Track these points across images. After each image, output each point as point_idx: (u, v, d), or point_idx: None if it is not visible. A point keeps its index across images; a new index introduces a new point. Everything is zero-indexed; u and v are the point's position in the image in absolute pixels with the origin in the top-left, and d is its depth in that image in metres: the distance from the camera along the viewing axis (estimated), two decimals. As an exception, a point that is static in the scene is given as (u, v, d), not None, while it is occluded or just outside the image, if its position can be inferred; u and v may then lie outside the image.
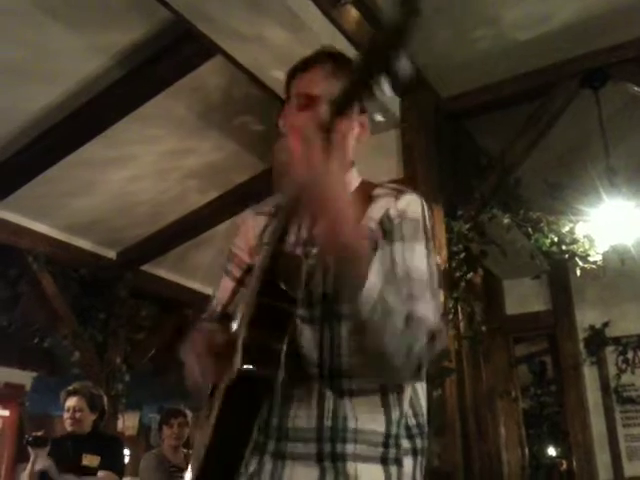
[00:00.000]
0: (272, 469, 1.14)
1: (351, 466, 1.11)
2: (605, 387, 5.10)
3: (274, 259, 1.15)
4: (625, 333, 5.11)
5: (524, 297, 5.44)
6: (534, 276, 4.72)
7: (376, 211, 1.25)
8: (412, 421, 1.20)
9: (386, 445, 1.14)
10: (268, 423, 1.17)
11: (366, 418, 1.15)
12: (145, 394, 7.51)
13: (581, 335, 5.24)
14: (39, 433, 3.68)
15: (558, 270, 4.82)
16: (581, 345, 5.22)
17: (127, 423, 8.00)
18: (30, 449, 3.59)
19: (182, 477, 4.22)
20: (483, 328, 3.92)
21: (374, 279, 1.05)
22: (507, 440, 4.93)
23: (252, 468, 1.15)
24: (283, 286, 1.12)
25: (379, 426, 1.15)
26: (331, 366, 1.17)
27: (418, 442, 1.19)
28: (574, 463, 5.23)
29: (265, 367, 1.09)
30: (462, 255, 3.72)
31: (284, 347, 1.10)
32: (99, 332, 5.81)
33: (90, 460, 3.60)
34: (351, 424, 1.13)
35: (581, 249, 3.80)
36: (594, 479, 4.97)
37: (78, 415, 3.73)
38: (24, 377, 7.49)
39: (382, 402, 1.17)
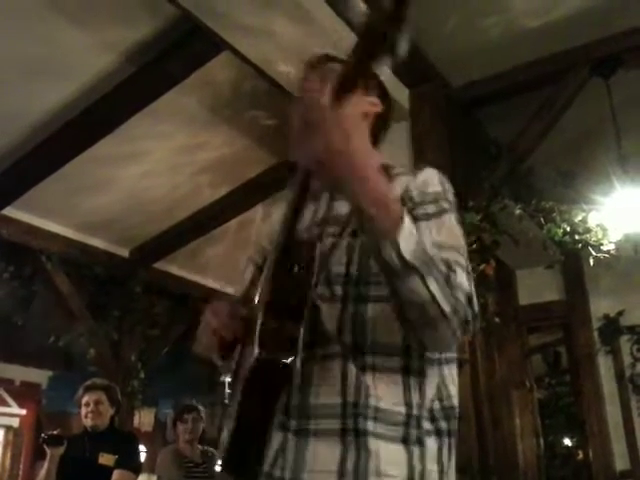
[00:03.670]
0: (296, 446, 1.14)
1: (373, 443, 1.11)
2: (620, 376, 5.07)
3: (286, 244, 1.15)
4: (640, 322, 5.09)
5: (537, 287, 5.40)
6: (547, 266, 4.69)
7: (396, 188, 1.24)
8: (436, 405, 1.18)
9: (407, 425, 1.14)
10: (288, 404, 1.17)
11: (387, 397, 1.14)
12: (161, 390, 7.56)
13: (595, 324, 5.21)
14: (55, 432, 3.70)
15: (571, 259, 4.78)
16: (595, 334, 5.19)
17: (143, 419, 8.06)
18: (46, 448, 3.61)
19: (198, 472, 4.25)
20: (496, 319, 3.92)
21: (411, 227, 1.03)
22: (522, 430, 4.92)
23: (276, 446, 1.16)
24: (297, 270, 1.12)
25: (399, 406, 1.14)
26: (354, 342, 1.17)
27: (442, 424, 1.18)
28: (590, 453, 5.20)
29: (282, 354, 1.09)
30: (474, 246, 3.71)
31: (301, 332, 1.10)
32: (114, 329, 5.85)
33: (107, 459, 3.61)
34: (372, 401, 1.13)
35: (594, 238, 3.78)
36: (610, 469, 4.95)
37: (100, 408, 3.74)
38: (40, 376, 7.55)
39: (403, 383, 1.16)
